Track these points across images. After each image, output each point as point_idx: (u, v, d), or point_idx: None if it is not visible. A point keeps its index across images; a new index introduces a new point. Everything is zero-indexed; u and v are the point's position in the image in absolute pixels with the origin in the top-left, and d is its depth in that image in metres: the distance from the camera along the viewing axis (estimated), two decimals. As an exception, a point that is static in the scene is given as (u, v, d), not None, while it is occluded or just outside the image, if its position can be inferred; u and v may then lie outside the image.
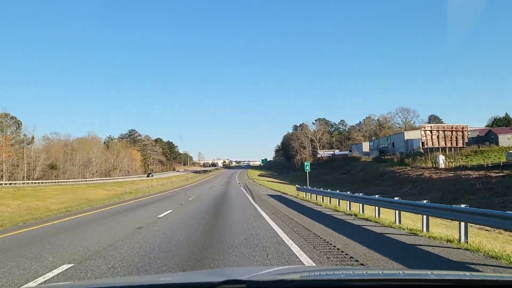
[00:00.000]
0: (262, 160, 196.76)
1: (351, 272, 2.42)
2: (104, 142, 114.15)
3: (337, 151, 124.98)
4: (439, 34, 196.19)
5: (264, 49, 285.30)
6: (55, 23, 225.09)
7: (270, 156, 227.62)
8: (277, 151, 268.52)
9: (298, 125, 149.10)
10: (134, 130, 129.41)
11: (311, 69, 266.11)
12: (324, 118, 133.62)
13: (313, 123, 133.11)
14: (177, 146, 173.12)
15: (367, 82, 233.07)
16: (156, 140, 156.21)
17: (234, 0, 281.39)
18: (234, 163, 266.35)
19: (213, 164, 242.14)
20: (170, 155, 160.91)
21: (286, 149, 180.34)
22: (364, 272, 2.58)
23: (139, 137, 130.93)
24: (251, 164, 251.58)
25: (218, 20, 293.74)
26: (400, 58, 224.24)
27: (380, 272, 2.80)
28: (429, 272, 1.90)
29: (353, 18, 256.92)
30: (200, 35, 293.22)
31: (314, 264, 5.88)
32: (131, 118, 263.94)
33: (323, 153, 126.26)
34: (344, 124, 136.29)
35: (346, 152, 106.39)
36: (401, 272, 3.12)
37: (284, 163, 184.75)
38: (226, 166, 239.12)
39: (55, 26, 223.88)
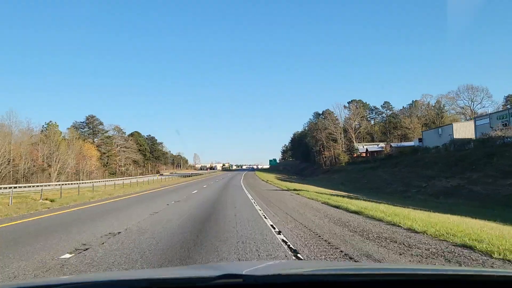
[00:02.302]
0: (270, 161, 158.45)
1: (348, 267, 2.56)
2: (42, 131, 76.19)
3: (382, 144, 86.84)
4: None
5: (263, 49, 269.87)
6: (54, 26, 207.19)
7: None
8: (284, 152, 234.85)
9: (321, 112, 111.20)
10: (94, 117, 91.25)
11: (312, 68, 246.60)
12: (360, 100, 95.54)
13: (345, 107, 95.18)
14: (161, 143, 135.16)
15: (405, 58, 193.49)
16: (132, 134, 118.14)
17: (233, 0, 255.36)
18: (234, 167, 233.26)
19: (211, 168, 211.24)
20: (151, 154, 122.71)
21: (301, 147, 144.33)
22: (361, 267, 2.62)
23: (100, 127, 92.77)
24: (255, 167, 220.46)
25: (217, 20, 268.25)
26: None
27: (377, 267, 2.87)
28: (426, 267, 1.99)
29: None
30: (198, 35, 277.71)
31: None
32: (130, 119, 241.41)
33: (363, 147, 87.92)
34: (390, 107, 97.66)
35: (412, 143, 68.10)
36: (398, 267, 3.15)
37: (298, 164, 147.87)
38: (226, 169, 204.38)
39: (54, 28, 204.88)
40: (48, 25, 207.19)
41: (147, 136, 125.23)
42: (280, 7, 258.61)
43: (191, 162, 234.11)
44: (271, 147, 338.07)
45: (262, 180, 46.70)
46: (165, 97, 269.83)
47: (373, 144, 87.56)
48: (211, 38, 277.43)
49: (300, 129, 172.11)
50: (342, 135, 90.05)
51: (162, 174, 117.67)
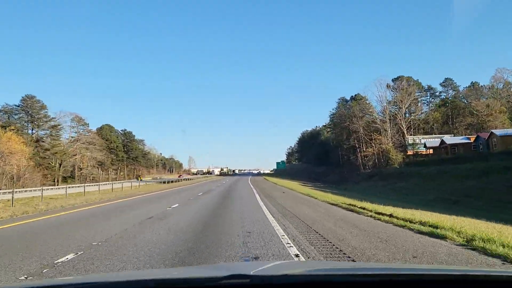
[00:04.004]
0: (277, 163, 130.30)
1: (355, 267, 2.59)
2: None
3: (447, 136, 59.28)
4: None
5: (263, 49, 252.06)
6: (54, 26, 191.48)
7: (273, 165, 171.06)
8: (290, 155, 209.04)
9: (349, 98, 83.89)
10: (33, 98, 63.12)
11: (313, 69, 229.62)
12: (410, 77, 67.91)
13: (388, 86, 67.47)
14: (142, 141, 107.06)
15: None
16: (102, 128, 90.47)
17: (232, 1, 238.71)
18: (236, 171, 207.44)
19: (209, 172, 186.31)
20: (126, 154, 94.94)
21: (314, 148, 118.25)
22: (368, 267, 2.58)
23: (44, 112, 64.87)
24: (256, 171, 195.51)
25: (217, 20, 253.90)
26: None
27: (383, 267, 2.86)
28: (430, 267, 1.89)
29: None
30: (198, 35, 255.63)
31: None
32: (128, 121, 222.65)
33: (427, 140, 60.37)
34: (453, 85, 69.63)
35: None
36: (405, 267, 3.10)
37: (310, 167, 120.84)
38: (225, 174, 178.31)
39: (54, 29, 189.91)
40: (48, 25, 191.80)
41: (121, 130, 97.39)
42: (280, 7, 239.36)
43: (186, 166, 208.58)
44: (272, 151, 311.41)
45: (330, 203, 17.52)
46: (162, 99, 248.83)
47: (436, 137, 60.15)
48: (211, 38, 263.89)
49: (308, 128, 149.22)
50: (389, 124, 62.62)
51: (141, 180, 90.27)
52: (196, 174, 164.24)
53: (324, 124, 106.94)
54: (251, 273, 1.53)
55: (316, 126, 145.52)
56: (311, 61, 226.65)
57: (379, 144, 60.76)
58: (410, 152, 59.52)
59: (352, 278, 1.61)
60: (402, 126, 63.09)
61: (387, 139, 60.86)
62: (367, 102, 71.04)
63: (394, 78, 68.68)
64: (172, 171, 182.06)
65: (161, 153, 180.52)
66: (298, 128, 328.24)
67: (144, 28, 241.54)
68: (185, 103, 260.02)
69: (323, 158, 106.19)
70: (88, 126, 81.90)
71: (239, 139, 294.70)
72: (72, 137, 77.96)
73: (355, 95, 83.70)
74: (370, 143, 62.57)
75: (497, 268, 4.51)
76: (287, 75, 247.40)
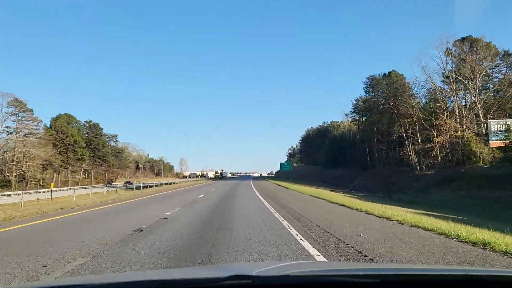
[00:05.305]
0: (281, 164, 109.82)
1: (359, 267, 2.48)
2: None
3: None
4: None
5: (260, 50, 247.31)
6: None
7: (273, 167, 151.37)
8: (291, 155, 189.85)
9: (382, 75, 63.21)
10: None
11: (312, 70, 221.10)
12: (480, 39, 47.38)
13: (448, 52, 46.85)
14: (114, 136, 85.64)
15: None
16: (57, 119, 69.06)
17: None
18: (229, 175, 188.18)
19: (203, 175, 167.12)
20: (91, 152, 73.44)
21: (323, 147, 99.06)
22: (372, 267, 2.51)
23: None
24: (253, 175, 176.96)
25: (213, 23, 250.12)
26: None
27: (388, 267, 2.79)
28: (437, 267, 1.83)
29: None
30: (195, 38, 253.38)
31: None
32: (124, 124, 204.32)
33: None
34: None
35: None
36: (410, 267, 3.03)
37: (319, 170, 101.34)
38: (219, 178, 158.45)
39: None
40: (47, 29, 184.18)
41: (84, 122, 75.92)
42: (279, 7, 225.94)
43: (177, 168, 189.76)
44: (271, 153, 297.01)
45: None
46: (159, 99, 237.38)
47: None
48: (208, 38, 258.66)
49: (314, 125, 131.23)
50: (459, 103, 41.93)
51: (111, 184, 68.99)
52: (188, 177, 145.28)
53: (345, 113, 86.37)
54: (253, 273, 1.51)
55: (324, 122, 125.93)
56: (311, 59, 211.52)
57: (449, 131, 40.02)
58: (496, 143, 38.94)
59: (357, 278, 1.58)
60: (477, 105, 42.44)
61: (460, 124, 40.17)
62: (403, 78, 50.54)
63: (456, 40, 48.00)
64: (161, 174, 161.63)
65: (148, 154, 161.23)
66: (298, 129, 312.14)
67: (141, 29, 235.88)
68: (182, 104, 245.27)
69: (338, 158, 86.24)
70: (32, 113, 60.72)
71: (236, 141, 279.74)
72: (7, 127, 57.05)
73: (389, 72, 63.35)
74: (431, 131, 41.83)
75: (499, 268, 4.47)
76: (287, 75, 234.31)
